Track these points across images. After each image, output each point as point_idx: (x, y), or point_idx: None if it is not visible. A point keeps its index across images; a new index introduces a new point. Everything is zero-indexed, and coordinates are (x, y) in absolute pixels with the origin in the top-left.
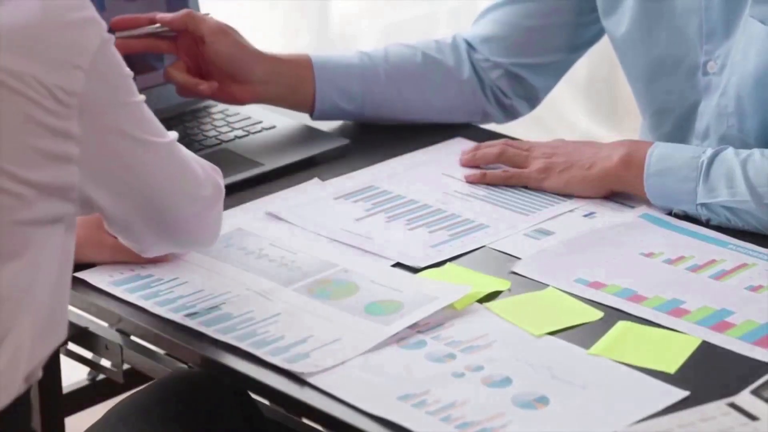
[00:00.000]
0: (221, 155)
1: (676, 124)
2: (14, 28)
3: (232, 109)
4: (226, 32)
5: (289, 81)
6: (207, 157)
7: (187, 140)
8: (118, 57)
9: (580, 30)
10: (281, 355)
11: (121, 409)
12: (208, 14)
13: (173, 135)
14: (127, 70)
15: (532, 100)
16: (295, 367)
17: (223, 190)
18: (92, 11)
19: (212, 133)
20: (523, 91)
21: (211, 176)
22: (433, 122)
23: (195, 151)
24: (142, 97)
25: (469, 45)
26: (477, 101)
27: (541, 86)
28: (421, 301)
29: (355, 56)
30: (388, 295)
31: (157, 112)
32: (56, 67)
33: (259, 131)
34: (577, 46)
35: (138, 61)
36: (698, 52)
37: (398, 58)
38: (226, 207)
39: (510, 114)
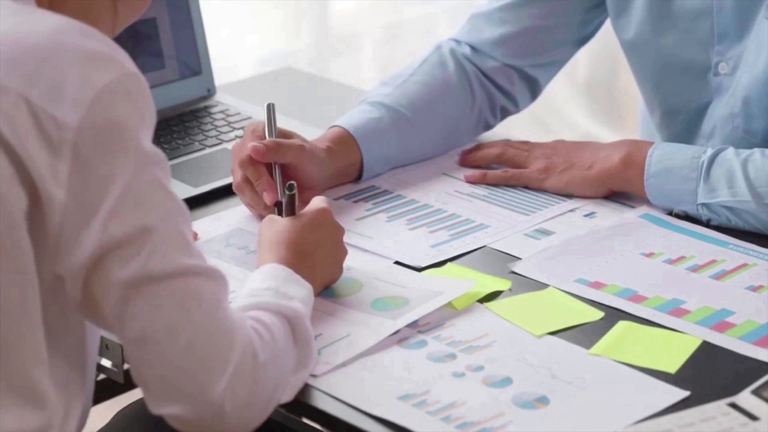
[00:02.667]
0: (221, 155)
1: (686, 124)
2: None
3: (233, 108)
4: (305, 162)
5: (343, 170)
6: (207, 157)
7: (187, 140)
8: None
9: (586, 24)
10: None
11: (128, 413)
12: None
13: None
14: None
15: (534, 96)
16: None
17: (264, 358)
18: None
19: (212, 133)
20: (530, 93)
21: (245, 333)
22: None
23: (195, 151)
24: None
25: (477, 52)
26: (484, 118)
27: (545, 81)
28: (427, 296)
29: (385, 117)
30: (393, 291)
31: (157, 113)
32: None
33: None
34: (582, 40)
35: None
36: (709, 53)
37: (422, 102)
38: (228, 207)
39: (505, 116)
